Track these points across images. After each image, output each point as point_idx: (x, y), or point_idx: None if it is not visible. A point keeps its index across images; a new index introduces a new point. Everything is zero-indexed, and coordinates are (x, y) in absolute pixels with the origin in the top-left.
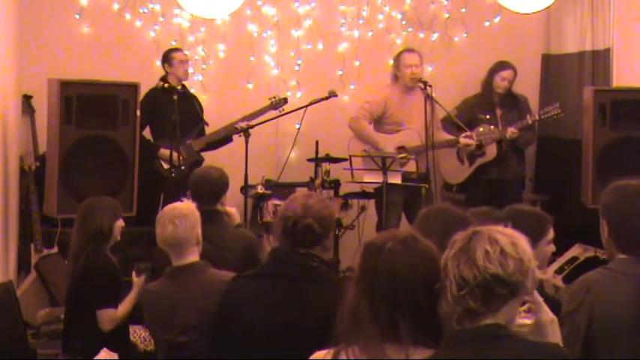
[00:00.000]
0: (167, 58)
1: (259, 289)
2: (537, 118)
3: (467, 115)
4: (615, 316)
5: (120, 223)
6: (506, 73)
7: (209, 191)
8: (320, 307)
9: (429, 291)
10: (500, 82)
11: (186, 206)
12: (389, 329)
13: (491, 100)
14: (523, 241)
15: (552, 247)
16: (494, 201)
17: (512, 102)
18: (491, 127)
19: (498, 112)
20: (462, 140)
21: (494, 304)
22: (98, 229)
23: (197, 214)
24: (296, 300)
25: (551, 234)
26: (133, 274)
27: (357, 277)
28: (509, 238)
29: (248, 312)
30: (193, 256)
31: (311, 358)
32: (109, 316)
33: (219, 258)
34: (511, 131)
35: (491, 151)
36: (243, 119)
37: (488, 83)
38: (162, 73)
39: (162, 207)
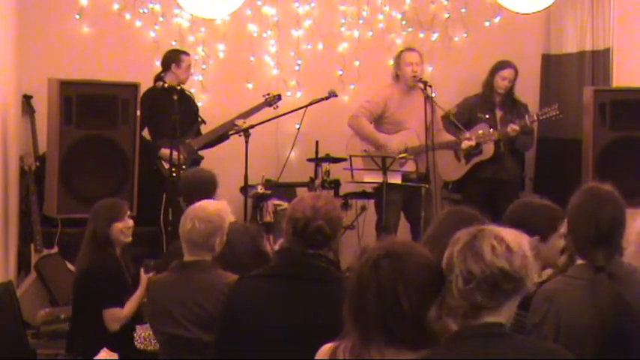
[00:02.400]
0: (175, 59)
1: (269, 289)
2: (535, 118)
3: (466, 114)
4: (580, 321)
5: (119, 226)
6: (507, 73)
7: (204, 191)
8: (331, 307)
9: (415, 301)
10: (501, 81)
11: (216, 210)
12: (371, 333)
13: (492, 101)
14: (527, 242)
15: (562, 242)
16: (491, 200)
17: (513, 105)
18: (491, 129)
19: (498, 113)
20: (464, 144)
21: (499, 299)
22: (93, 234)
23: (224, 222)
24: (307, 300)
25: (563, 228)
26: (141, 271)
27: (350, 281)
28: (514, 236)
29: (258, 312)
30: (203, 256)
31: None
32: (114, 316)
33: (229, 255)
34: (512, 128)
35: (488, 149)
36: (239, 117)
37: (489, 83)
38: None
39: (166, 207)
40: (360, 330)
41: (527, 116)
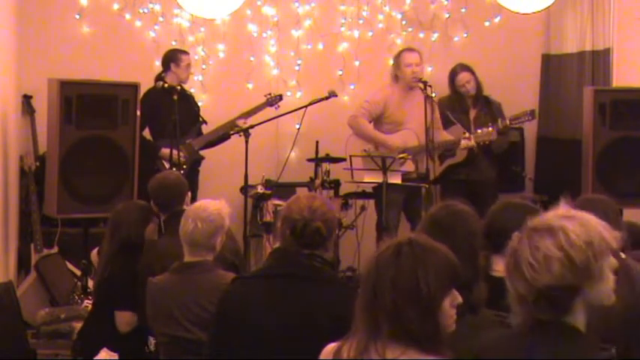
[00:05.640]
0: (174, 58)
1: (265, 289)
2: (508, 123)
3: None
4: None
5: (151, 228)
6: (461, 79)
7: (179, 193)
8: (326, 306)
9: (433, 288)
10: (461, 87)
11: (216, 209)
12: (381, 325)
13: (465, 102)
14: (576, 229)
15: None
16: (471, 202)
17: (486, 105)
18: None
19: (472, 113)
20: (463, 143)
21: (563, 305)
22: (128, 240)
23: (224, 221)
24: (303, 300)
25: None
26: None
27: (364, 272)
28: (555, 236)
29: (253, 312)
30: (204, 257)
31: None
32: (126, 319)
33: None
34: (487, 132)
35: (461, 152)
36: (240, 117)
37: (452, 89)
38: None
39: None
40: (369, 323)
41: (499, 120)
